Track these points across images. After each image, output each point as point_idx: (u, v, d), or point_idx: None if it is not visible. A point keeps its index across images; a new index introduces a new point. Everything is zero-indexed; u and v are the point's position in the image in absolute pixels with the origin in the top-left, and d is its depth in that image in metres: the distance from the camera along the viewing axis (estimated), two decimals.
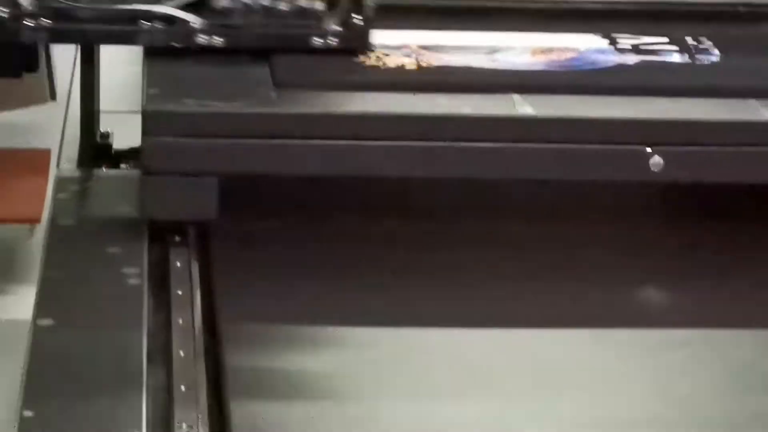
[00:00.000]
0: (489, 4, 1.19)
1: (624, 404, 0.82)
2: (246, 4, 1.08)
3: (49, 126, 1.38)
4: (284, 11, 1.07)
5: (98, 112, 1.18)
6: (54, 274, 0.96)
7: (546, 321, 0.92)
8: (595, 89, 1.01)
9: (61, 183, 1.12)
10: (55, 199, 1.08)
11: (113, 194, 1.11)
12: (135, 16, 1.06)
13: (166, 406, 0.82)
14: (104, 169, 1.16)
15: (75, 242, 1.02)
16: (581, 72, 1.03)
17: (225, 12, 1.08)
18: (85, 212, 1.09)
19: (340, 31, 1.05)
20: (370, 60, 1.04)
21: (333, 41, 1.06)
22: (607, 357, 0.89)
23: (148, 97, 0.98)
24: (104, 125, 1.19)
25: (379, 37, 1.09)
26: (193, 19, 1.08)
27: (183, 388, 0.83)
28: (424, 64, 1.03)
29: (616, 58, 1.06)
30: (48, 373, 0.82)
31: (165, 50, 1.06)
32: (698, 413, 0.83)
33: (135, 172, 1.07)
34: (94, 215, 1.08)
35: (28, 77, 1.46)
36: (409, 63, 1.02)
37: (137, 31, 1.07)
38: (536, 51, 1.07)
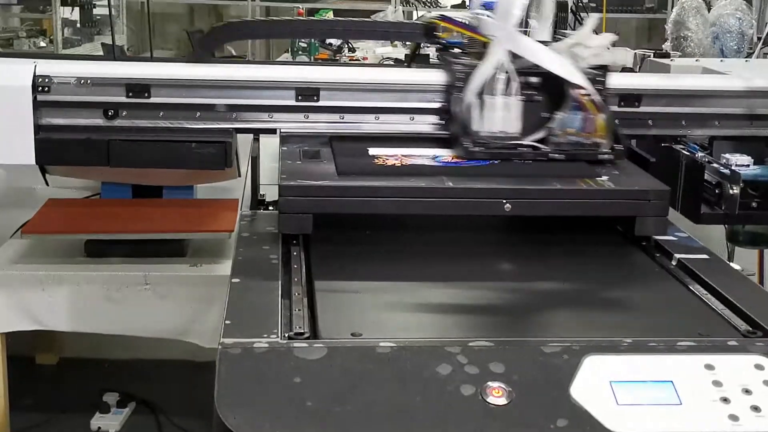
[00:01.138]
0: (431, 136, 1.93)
1: (502, 318, 1.52)
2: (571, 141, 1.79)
3: (238, 188, 2.11)
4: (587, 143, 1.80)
5: (259, 185, 1.98)
6: (240, 258, 1.65)
7: (472, 278, 1.63)
8: (479, 174, 1.74)
9: (243, 217, 1.89)
10: (239, 223, 1.86)
11: (266, 222, 1.83)
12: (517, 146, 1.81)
13: (289, 319, 1.40)
14: (262, 210, 1.95)
15: (249, 244, 1.73)
16: (474, 166, 1.78)
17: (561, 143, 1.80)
18: (253, 229, 1.80)
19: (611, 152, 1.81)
20: (380, 161, 1.77)
21: (608, 156, 1.81)
22: (493, 294, 1.61)
23: (281, 179, 1.66)
24: (262, 190, 2.01)
25: (383, 151, 1.82)
26: (545, 147, 1.80)
27: (297, 310, 1.43)
28: (403, 162, 1.78)
29: (489, 161, 1.81)
30: (236, 305, 1.43)
31: (289, 158, 1.77)
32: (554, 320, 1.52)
33: (275, 213, 1.74)
34: (257, 231, 1.79)
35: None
36: (396, 162, 1.78)
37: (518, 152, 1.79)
38: (453, 156, 1.82)
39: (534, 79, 1.86)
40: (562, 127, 1.83)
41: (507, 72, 1.82)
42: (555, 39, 1.94)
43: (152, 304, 3.19)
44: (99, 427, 3.39)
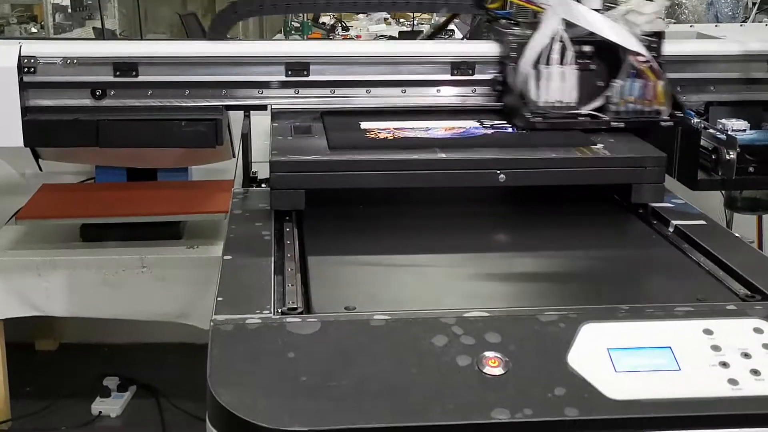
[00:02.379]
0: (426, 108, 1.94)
1: (497, 289, 1.49)
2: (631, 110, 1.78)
3: (233, 169, 2.01)
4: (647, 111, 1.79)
5: (251, 162, 1.94)
6: (232, 236, 1.62)
7: (467, 250, 1.62)
8: (473, 144, 1.73)
9: (235, 194, 1.84)
10: (232, 201, 1.80)
11: (258, 199, 1.79)
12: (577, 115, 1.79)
13: (282, 294, 1.38)
14: (254, 188, 1.90)
15: (241, 221, 1.69)
16: (467, 137, 1.76)
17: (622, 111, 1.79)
18: (245, 207, 1.76)
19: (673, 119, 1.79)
20: (372, 134, 1.75)
21: (670, 123, 1.78)
22: (488, 265, 1.58)
23: (272, 155, 1.64)
24: (254, 167, 1.96)
25: (376, 124, 1.80)
26: (605, 116, 1.79)
27: (290, 285, 1.41)
28: (395, 136, 1.76)
29: (483, 131, 1.80)
30: (228, 281, 1.41)
31: (280, 134, 1.76)
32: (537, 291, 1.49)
33: (267, 189, 1.71)
34: (249, 208, 1.75)
35: (219, 146, 1.92)
36: (389, 135, 1.76)
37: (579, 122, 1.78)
38: (446, 128, 1.80)
39: (590, 48, 1.85)
40: (621, 95, 1.82)
41: (562, 41, 1.80)
42: (606, 7, 1.89)
43: (150, 287, 3.18)
44: (100, 412, 3.38)
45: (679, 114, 1.84)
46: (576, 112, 1.81)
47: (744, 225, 3.04)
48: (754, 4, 2.91)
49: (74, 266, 3.15)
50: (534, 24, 1.85)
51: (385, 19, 7.04)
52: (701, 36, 2.30)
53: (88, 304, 3.20)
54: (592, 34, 1.82)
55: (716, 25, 2.61)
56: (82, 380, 3.53)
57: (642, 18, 1.82)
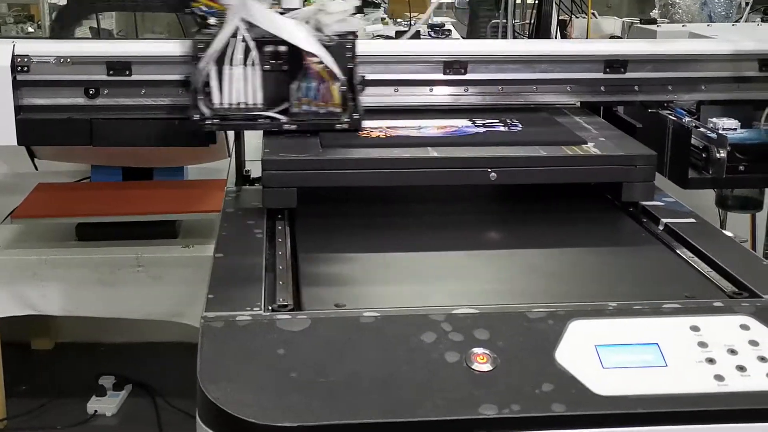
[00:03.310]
0: (416, 107, 1.93)
1: (487, 286, 1.48)
2: (306, 111, 1.74)
3: (227, 167, 2.02)
4: (322, 113, 1.75)
5: (244, 161, 1.94)
6: (224, 234, 1.62)
7: (457, 248, 1.62)
8: (465, 143, 1.72)
9: (227, 193, 1.85)
10: (225, 199, 1.81)
11: (250, 197, 1.79)
12: (256, 117, 1.75)
13: (273, 292, 1.38)
14: (247, 186, 1.91)
15: (233, 219, 1.70)
16: (459, 136, 1.76)
17: (297, 114, 1.74)
18: (238, 205, 1.77)
19: (348, 121, 1.76)
20: (365, 133, 1.77)
21: (345, 126, 1.75)
22: (479, 263, 1.60)
23: (264, 153, 1.65)
24: (248, 166, 1.96)
25: (368, 123, 1.80)
26: (282, 118, 1.74)
27: (281, 283, 1.42)
28: (388, 134, 1.76)
29: (475, 130, 1.80)
30: (219, 279, 1.42)
31: (272, 132, 1.75)
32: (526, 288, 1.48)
33: (260, 188, 1.70)
34: (242, 206, 1.76)
35: (214, 145, 1.90)
36: (381, 134, 1.76)
37: (257, 123, 1.75)
38: (439, 127, 1.81)
39: (273, 48, 1.78)
40: (298, 97, 1.77)
41: (245, 41, 1.74)
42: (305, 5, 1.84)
43: (145, 286, 3.19)
44: (95, 411, 3.39)
45: (355, 116, 1.78)
46: (257, 113, 1.76)
47: (739, 224, 3.05)
48: (747, 3, 2.92)
49: (70, 265, 3.16)
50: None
51: (383, 19, 7.05)
52: (693, 35, 2.31)
53: (83, 303, 3.21)
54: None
55: (708, 25, 2.62)
56: (77, 379, 3.54)
57: (330, 17, 1.76)
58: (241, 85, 1.75)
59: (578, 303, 1.35)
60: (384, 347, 1.25)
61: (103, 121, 1.86)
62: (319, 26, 1.77)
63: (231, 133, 2.09)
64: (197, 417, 1.20)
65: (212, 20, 1.80)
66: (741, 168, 1.88)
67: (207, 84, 1.74)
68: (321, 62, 1.75)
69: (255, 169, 1.94)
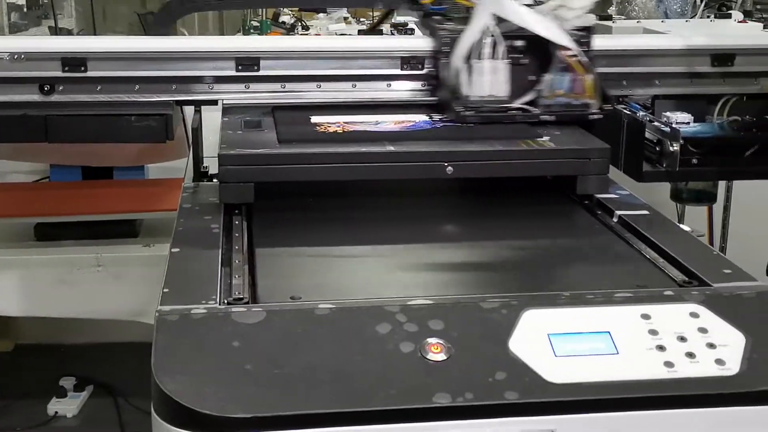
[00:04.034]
0: (372, 103, 1.93)
1: (442, 278, 1.51)
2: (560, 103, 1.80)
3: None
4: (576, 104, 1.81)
5: (202, 157, 1.93)
6: (180, 229, 1.61)
7: (413, 241, 1.63)
8: (422, 138, 1.74)
9: (185, 189, 1.84)
10: (182, 195, 1.79)
11: (208, 193, 1.78)
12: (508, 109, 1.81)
13: (229, 285, 1.38)
14: (204, 182, 1.90)
15: (190, 215, 1.69)
16: (416, 131, 1.78)
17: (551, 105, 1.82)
18: (195, 201, 1.76)
19: (601, 112, 1.82)
20: (322, 128, 1.77)
21: (598, 116, 1.82)
22: (434, 256, 1.60)
23: (221, 149, 1.64)
24: (205, 162, 1.94)
25: (325, 118, 1.81)
26: (536, 109, 1.82)
27: (237, 276, 1.41)
28: (345, 129, 1.77)
29: (431, 125, 1.82)
30: (175, 273, 1.42)
31: (229, 128, 1.76)
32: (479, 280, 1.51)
33: (217, 183, 1.69)
34: (199, 202, 1.75)
35: (175, 143, 1.93)
36: (338, 129, 1.77)
37: (511, 115, 1.81)
38: (396, 122, 1.82)
39: (520, 42, 1.86)
40: (550, 89, 1.84)
41: (493, 35, 1.82)
42: (537, 2, 1.91)
43: (106, 285, 3.17)
44: (56, 412, 3.37)
45: (607, 107, 1.87)
46: (507, 105, 1.83)
47: (696, 218, 3.09)
48: (701, 1, 2.96)
49: (29, 266, 3.14)
50: (466, 19, 1.87)
51: (345, 18, 7.03)
52: (647, 31, 2.34)
53: (43, 304, 3.18)
54: (523, 28, 1.84)
55: (663, 21, 2.66)
56: (38, 380, 3.52)
57: (571, 13, 1.84)
58: (489, 78, 1.81)
59: (531, 293, 1.37)
60: (339, 338, 1.26)
61: (59, 117, 1.85)
62: (559, 21, 1.83)
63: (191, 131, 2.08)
64: (152, 410, 1.20)
65: (437, 17, 1.92)
66: (694, 161, 1.91)
67: (458, 79, 1.81)
68: (574, 55, 1.81)
69: (213, 166, 1.91)
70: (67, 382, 3.45)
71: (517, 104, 1.84)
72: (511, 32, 1.85)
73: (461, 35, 1.84)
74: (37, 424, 3.32)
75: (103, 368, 3.60)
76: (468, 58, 1.83)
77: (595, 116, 1.85)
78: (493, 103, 1.83)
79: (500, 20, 1.83)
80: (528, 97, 1.85)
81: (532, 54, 1.87)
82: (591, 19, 1.87)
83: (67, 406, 3.37)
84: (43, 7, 7.02)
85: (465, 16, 1.89)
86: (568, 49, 1.83)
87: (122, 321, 3.26)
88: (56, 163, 3.43)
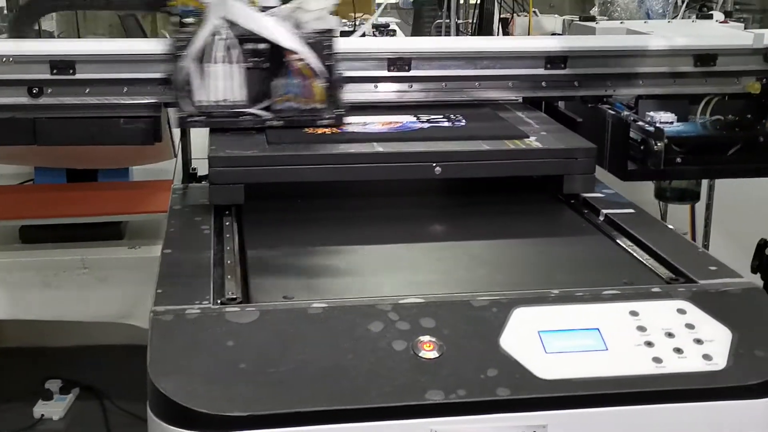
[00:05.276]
0: (360, 104, 1.92)
1: (433, 276, 1.50)
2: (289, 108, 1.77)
3: (172, 168, 2.12)
4: (305, 109, 1.78)
5: (191, 159, 1.97)
6: (171, 230, 1.64)
7: (404, 240, 1.64)
8: (409, 138, 1.76)
9: (174, 190, 1.87)
10: (172, 197, 1.82)
11: (197, 195, 1.82)
12: (239, 114, 1.77)
13: (221, 286, 1.40)
14: (194, 184, 1.93)
15: (180, 216, 1.72)
16: (403, 132, 1.80)
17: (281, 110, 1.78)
18: (185, 202, 1.79)
19: (331, 117, 1.79)
20: (311, 129, 1.78)
21: (328, 121, 1.78)
22: (425, 255, 1.61)
23: (210, 150, 1.66)
24: (194, 164, 1.99)
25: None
26: (266, 114, 1.78)
27: (229, 277, 1.43)
28: (333, 131, 1.79)
29: (419, 125, 1.84)
30: (167, 274, 1.43)
31: (219, 130, 1.77)
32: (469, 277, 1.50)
33: (207, 185, 1.72)
34: (188, 204, 1.78)
35: (160, 145, 1.91)
36: (327, 130, 1.79)
37: (240, 120, 1.75)
38: (383, 123, 1.84)
39: (255, 45, 1.80)
40: (279, 94, 1.79)
41: (227, 39, 1.77)
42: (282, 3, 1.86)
43: (91, 288, 3.17)
44: (42, 415, 3.36)
45: (338, 112, 1.82)
46: (240, 110, 1.78)
47: (679, 219, 3.12)
48: (683, 1, 2.99)
49: (13, 268, 3.13)
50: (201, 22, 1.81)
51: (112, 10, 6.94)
52: (630, 32, 2.36)
53: (28, 307, 3.17)
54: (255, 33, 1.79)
55: (645, 22, 2.68)
56: (23, 383, 3.50)
57: (308, 15, 1.79)
58: (223, 83, 1.76)
59: (521, 291, 1.38)
60: (332, 337, 1.27)
61: (47, 120, 1.85)
62: (297, 24, 1.78)
63: (177, 133, 2.09)
64: (148, 409, 1.21)
65: (190, 19, 1.80)
66: (678, 160, 1.94)
67: (188, 82, 1.75)
68: (302, 59, 1.76)
69: (201, 167, 1.94)
70: (53, 385, 3.45)
71: (254, 109, 1.79)
72: (247, 36, 1.79)
73: (194, 37, 1.77)
74: (23, 427, 3.31)
75: (89, 371, 3.59)
76: (200, 62, 1.77)
77: (326, 122, 1.80)
78: (225, 107, 1.78)
79: (233, 23, 1.78)
80: (265, 102, 1.79)
81: (266, 58, 1.81)
82: (332, 22, 1.81)
83: (53, 409, 3.36)
84: None
85: (202, 18, 1.81)
86: (295, 52, 1.77)
87: (108, 323, 3.26)
88: (40, 165, 3.42)
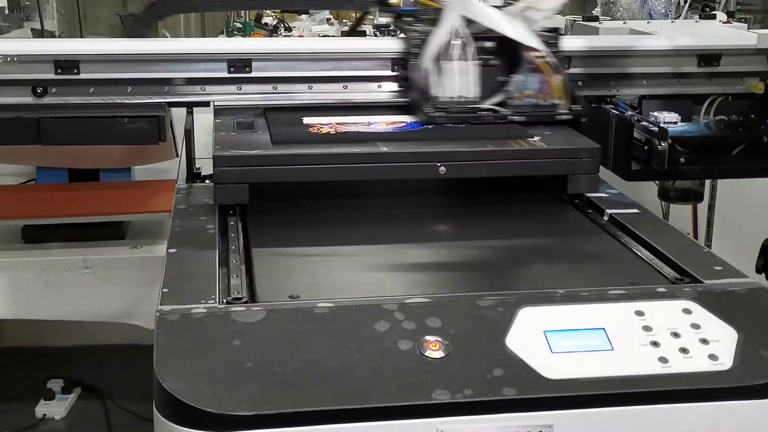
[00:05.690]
0: (364, 104, 1.94)
1: (438, 276, 1.54)
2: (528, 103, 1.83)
3: (174, 168, 2.04)
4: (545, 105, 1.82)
5: (194, 158, 1.95)
6: (176, 230, 1.63)
7: (409, 240, 1.65)
8: (414, 138, 1.77)
9: (178, 190, 1.87)
10: (176, 196, 1.82)
11: (202, 194, 1.82)
12: (477, 110, 1.83)
13: (227, 285, 1.41)
14: (198, 183, 1.93)
15: (185, 215, 1.71)
16: (408, 131, 1.80)
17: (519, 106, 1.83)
18: (189, 202, 1.78)
19: (570, 112, 1.84)
20: (315, 129, 1.78)
21: (567, 117, 1.84)
22: (430, 254, 1.61)
23: (215, 150, 1.66)
24: (198, 164, 1.97)
25: (318, 119, 1.82)
26: (505, 110, 1.83)
27: (235, 276, 1.45)
28: (338, 130, 1.79)
29: (422, 126, 1.83)
30: (173, 274, 1.43)
31: (223, 129, 1.78)
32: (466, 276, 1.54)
33: (211, 184, 1.73)
34: (193, 203, 1.77)
35: (162, 145, 1.91)
36: (331, 130, 1.79)
37: (480, 115, 1.82)
38: (388, 123, 1.84)
39: (490, 44, 1.87)
40: (519, 90, 1.85)
41: (462, 37, 1.83)
42: (507, 3, 1.93)
43: (93, 287, 3.16)
44: (44, 414, 3.35)
45: (576, 108, 1.87)
46: (476, 106, 1.84)
47: (682, 216, 3.12)
48: (685, 1, 2.99)
49: (16, 268, 3.12)
50: (435, 21, 1.87)
51: (328, 20, 7.04)
52: (633, 32, 2.37)
53: (30, 306, 3.16)
54: (491, 30, 1.85)
55: (648, 22, 2.69)
56: (25, 383, 3.50)
57: (539, 14, 1.85)
58: (458, 79, 1.81)
59: (527, 291, 1.38)
60: (338, 336, 1.27)
61: (51, 120, 1.85)
62: (527, 22, 1.84)
63: (179, 133, 2.08)
64: (154, 409, 1.21)
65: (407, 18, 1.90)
66: (681, 160, 1.93)
67: (427, 80, 1.82)
68: (542, 56, 1.81)
69: (205, 167, 1.94)
70: (55, 385, 3.44)
71: (487, 105, 1.84)
72: (480, 33, 1.85)
73: (430, 36, 1.84)
74: (25, 426, 3.31)
75: (90, 370, 3.59)
76: (437, 60, 1.83)
77: (564, 117, 1.86)
78: (462, 104, 1.83)
79: (469, 22, 1.84)
80: (498, 98, 1.85)
81: (501, 55, 1.88)
82: (559, 21, 1.89)
83: (55, 409, 3.36)
84: (26, 9, 6.99)
85: (434, 17, 1.89)
86: (536, 50, 1.84)
87: (110, 323, 3.25)
88: (43, 165, 3.42)
